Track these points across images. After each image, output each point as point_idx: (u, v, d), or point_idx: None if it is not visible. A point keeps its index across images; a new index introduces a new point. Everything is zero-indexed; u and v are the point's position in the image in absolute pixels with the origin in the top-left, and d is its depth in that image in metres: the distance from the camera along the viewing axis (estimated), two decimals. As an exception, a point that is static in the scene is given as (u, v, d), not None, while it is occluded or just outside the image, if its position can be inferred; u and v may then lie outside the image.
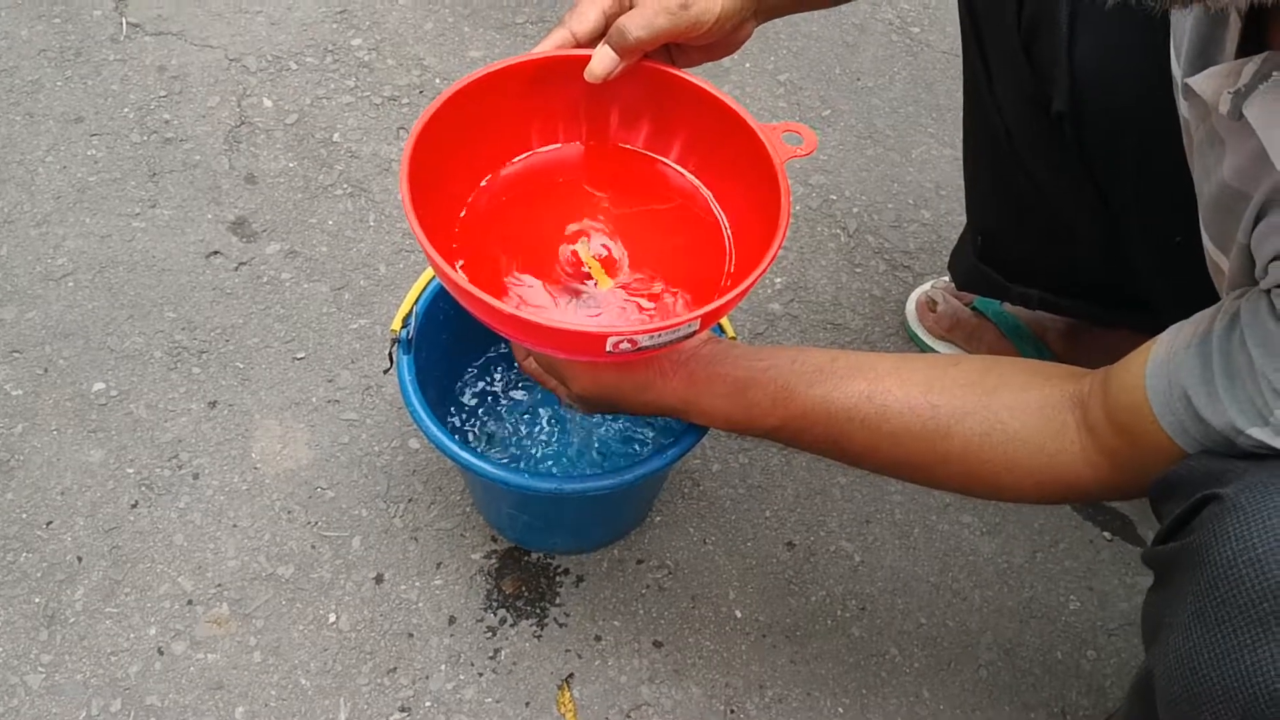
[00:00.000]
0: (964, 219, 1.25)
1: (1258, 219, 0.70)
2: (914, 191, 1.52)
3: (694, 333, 0.84)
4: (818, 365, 0.89)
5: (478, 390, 1.21)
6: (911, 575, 1.21)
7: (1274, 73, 0.65)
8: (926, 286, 1.39)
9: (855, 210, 1.50)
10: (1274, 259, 0.67)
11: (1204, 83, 0.71)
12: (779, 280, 1.43)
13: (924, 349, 1.37)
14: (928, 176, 1.54)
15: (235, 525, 1.19)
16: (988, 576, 1.21)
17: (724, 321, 1.09)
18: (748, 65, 1.63)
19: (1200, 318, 0.74)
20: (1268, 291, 0.67)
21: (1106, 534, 1.24)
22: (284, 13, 1.61)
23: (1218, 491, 0.65)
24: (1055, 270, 1.17)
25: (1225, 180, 0.74)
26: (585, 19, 0.90)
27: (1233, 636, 0.61)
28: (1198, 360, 0.71)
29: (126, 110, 1.49)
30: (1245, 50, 0.71)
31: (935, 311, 1.36)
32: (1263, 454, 0.67)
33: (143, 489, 1.21)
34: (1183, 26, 0.79)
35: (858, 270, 1.45)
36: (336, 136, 1.50)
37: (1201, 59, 0.75)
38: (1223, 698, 0.62)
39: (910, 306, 1.39)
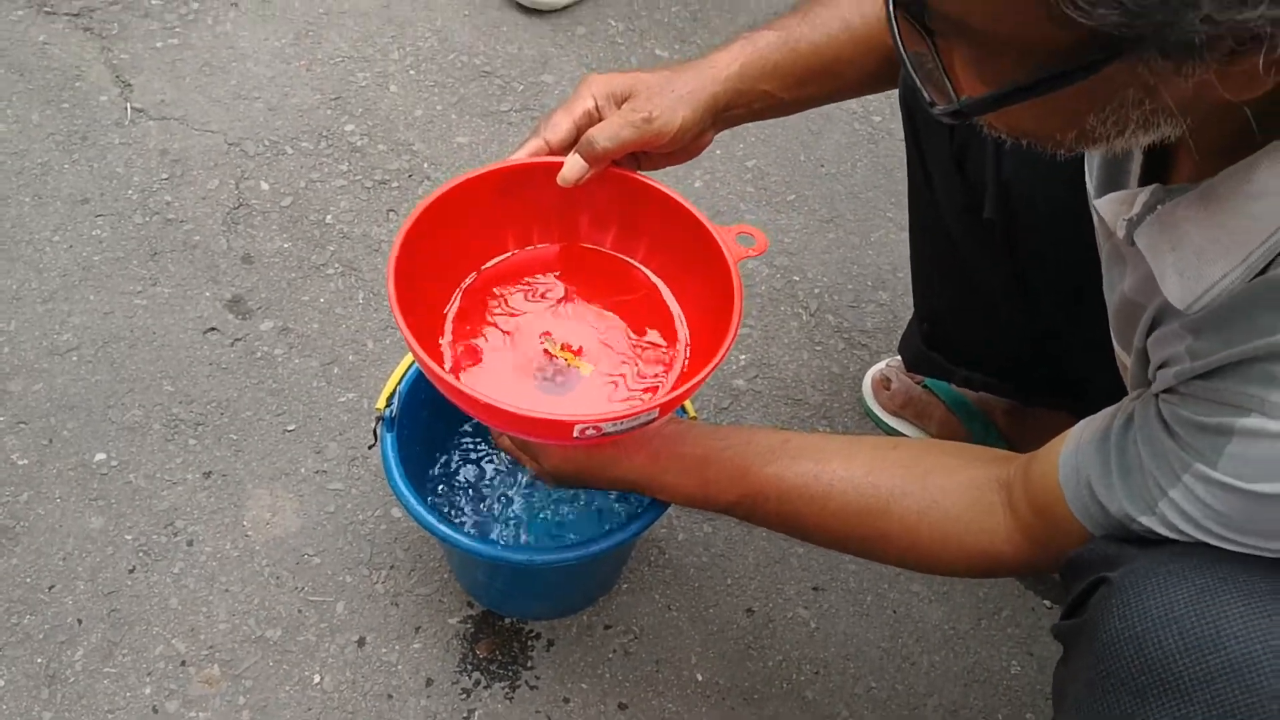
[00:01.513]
0: (918, 301, 1.35)
1: (1151, 328, 0.79)
2: (872, 273, 1.62)
3: (654, 420, 0.92)
4: (771, 445, 0.98)
5: (457, 460, 1.29)
6: (864, 640, 1.28)
7: (1159, 205, 0.74)
8: (882, 365, 1.48)
9: (817, 290, 1.59)
10: (1162, 366, 0.76)
11: (1105, 207, 0.80)
12: (744, 357, 1.51)
13: (879, 425, 1.46)
14: (886, 259, 1.63)
15: (227, 590, 1.26)
16: (935, 642, 1.29)
17: (687, 404, 1.18)
18: (718, 152, 1.72)
19: (1105, 414, 0.82)
20: (1157, 395, 0.76)
21: (1047, 602, 1.32)
22: (281, 99, 1.71)
23: (1107, 575, 0.74)
24: (996, 357, 1.26)
25: (1126, 293, 0.83)
26: (558, 129, 0.99)
27: (1117, 706, 0.70)
28: (1099, 454, 0.79)
29: (130, 192, 1.58)
30: (1145, 178, 0.80)
31: (889, 389, 1.45)
32: (1153, 539, 0.75)
33: (140, 555, 1.28)
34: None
35: (818, 348, 1.54)
36: (329, 218, 1.59)
37: (1109, 182, 0.84)
38: (1110, 761, 0.70)
39: (866, 384, 1.48)
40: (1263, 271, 0.67)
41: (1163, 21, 0.51)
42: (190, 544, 1.29)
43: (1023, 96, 0.60)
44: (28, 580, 1.25)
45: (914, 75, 0.64)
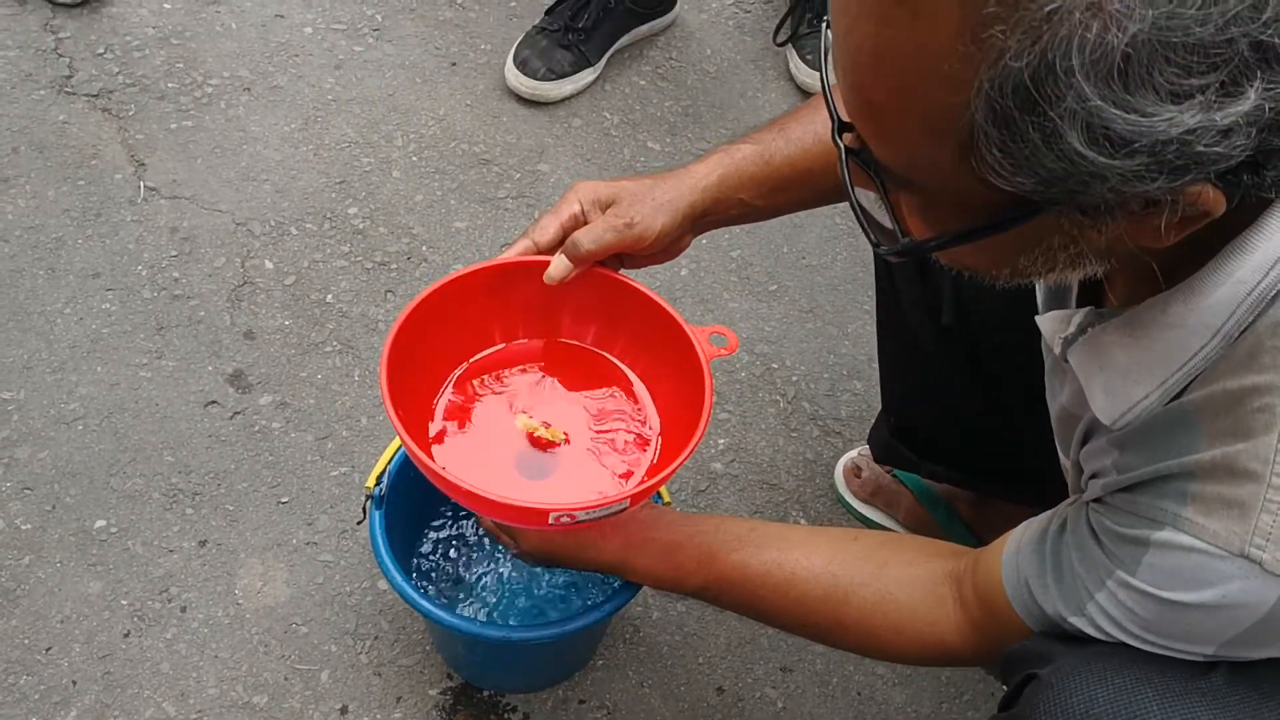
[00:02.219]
0: (890, 393, 1.41)
1: (1084, 440, 0.85)
2: (848, 364, 1.68)
3: (625, 509, 0.98)
4: (738, 534, 1.03)
5: (442, 536, 1.35)
6: (828, 721, 1.33)
7: (1090, 327, 0.80)
8: (854, 453, 1.55)
9: (794, 379, 1.66)
10: (1092, 477, 0.82)
11: (1045, 324, 0.87)
12: (722, 441, 1.58)
13: (851, 511, 1.52)
14: (861, 350, 1.70)
15: (217, 656, 1.31)
16: (897, 724, 1.34)
17: (661, 488, 1.24)
18: (704, 242, 1.80)
19: (1044, 518, 0.88)
20: (1087, 504, 0.82)
21: (1006, 687, 1.37)
22: (288, 182, 1.79)
23: (1037, 672, 0.80)
24: (959, 452, 1.33)
25: (1064, 404, 0.89)
26: (545, 231, 1.07)
27: (1042, 794, 0.75)
28: (1036, 556, 0.85)
29: (140, 268, 1.65)
30: (1083, 299, 0.87)
31: (860, 477, 1.51)
32: (1083, 638, 0.81)
33: (135, 620, 1.33)
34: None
35: (793, 434, 1.60)
36: (330, 297, 1.66)
37: (1053, 299, 0.91)
38: None
39: (838, 472, 1.54)
40: (1179, 395, 0.73)
41: (1074, 189, 0.58)
42: (184, 610, 1.34)
43: (959, 241, 0.66)
44: (25, 641, 1.30)
45: (861, 219, 0.71)
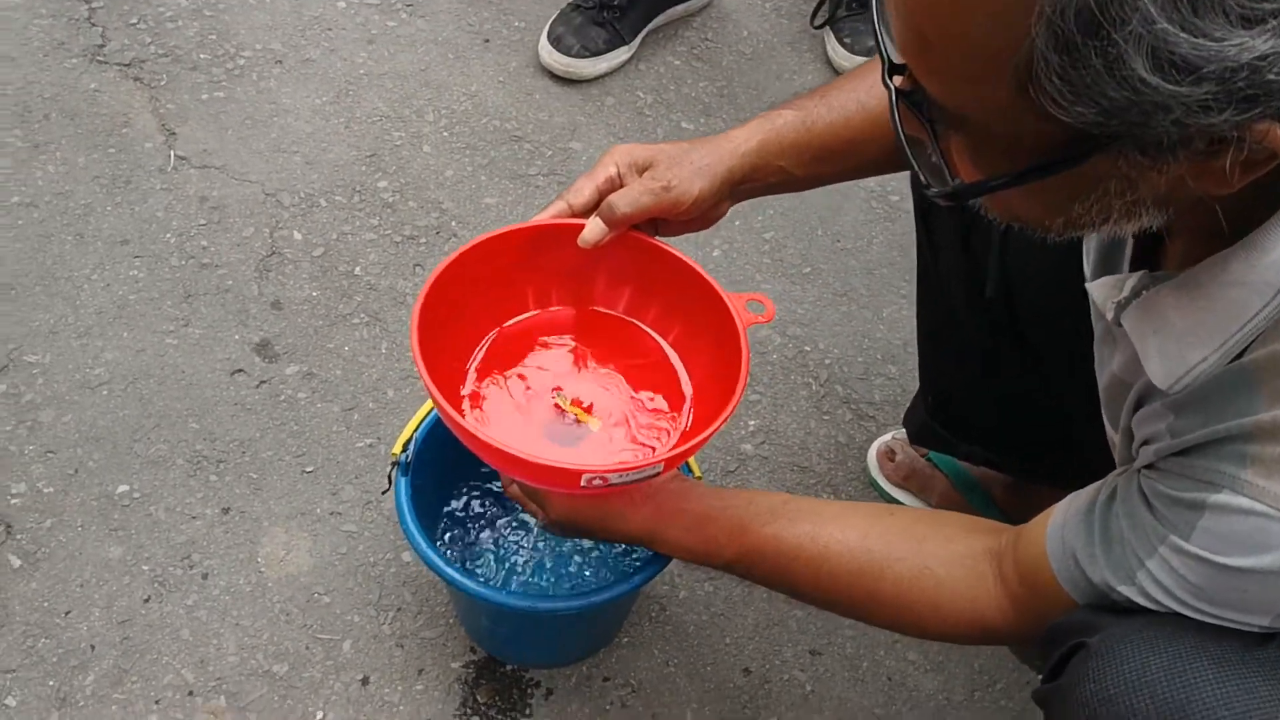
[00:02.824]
0: (925, 376, 1.38)
1: (1136, 407, 0.82)
2: (882, 347, 1.65)
3: (659, 474, 0.96)
4: (771, 506, 1.01)
5: (467, 509, 1.32)
6: (858, 706, 1.30)
7: (1145, 290, 0.78)
8: (888, 437, 1.52)
9: (827, 362, 1.63)
10: (1144, 443, 0.79)
11: (1097, 290, 0.84)
12: (752, 422, 1.55)
13: (883, 495, 1.49)
14: (896, 334, 1.67)
15: (237, 624, 1.30)
16: (928, 711, 1.30)
17: (691, 462, 1.21)
18: (737, 223, 1.78)
19: (1091, 489, 0.85)
20: (1139, 470, 0.79)
21: (1040, 676, 1.33)
22: (319, 154, 1.77)
23: (1085, 640, 0.77)
24: (997, 432, 1.30)
25: (1115, 372, 0.86)
26: (581, 193, 1.05)
27: (1091, 765, 0.72)
28: (1084, 526, 0.82)
29: (168, 236, 1.64)
30: (1137, 263, 0.84)
31: (894, 461, 1.48)
32: (1132, 609, 0.78)
33: (156, 585, 1.32)
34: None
35: (826, 417, 1.57)
36: (358, 270, 1.64)
37: (1104, 265, 0.88)
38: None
39: (871, 455, 1.51)
40: (1239, 356, 0.71)
41: (1136, 122, 0.56)
42: (205, 577, 1.33)
43: (1012, 184, 0.64)
44: (45, 605, 1.29)
45: (913, 159, 0.69)
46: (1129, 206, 0.65)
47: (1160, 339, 0.75)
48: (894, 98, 0.68)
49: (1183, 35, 0.51)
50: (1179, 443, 0.73)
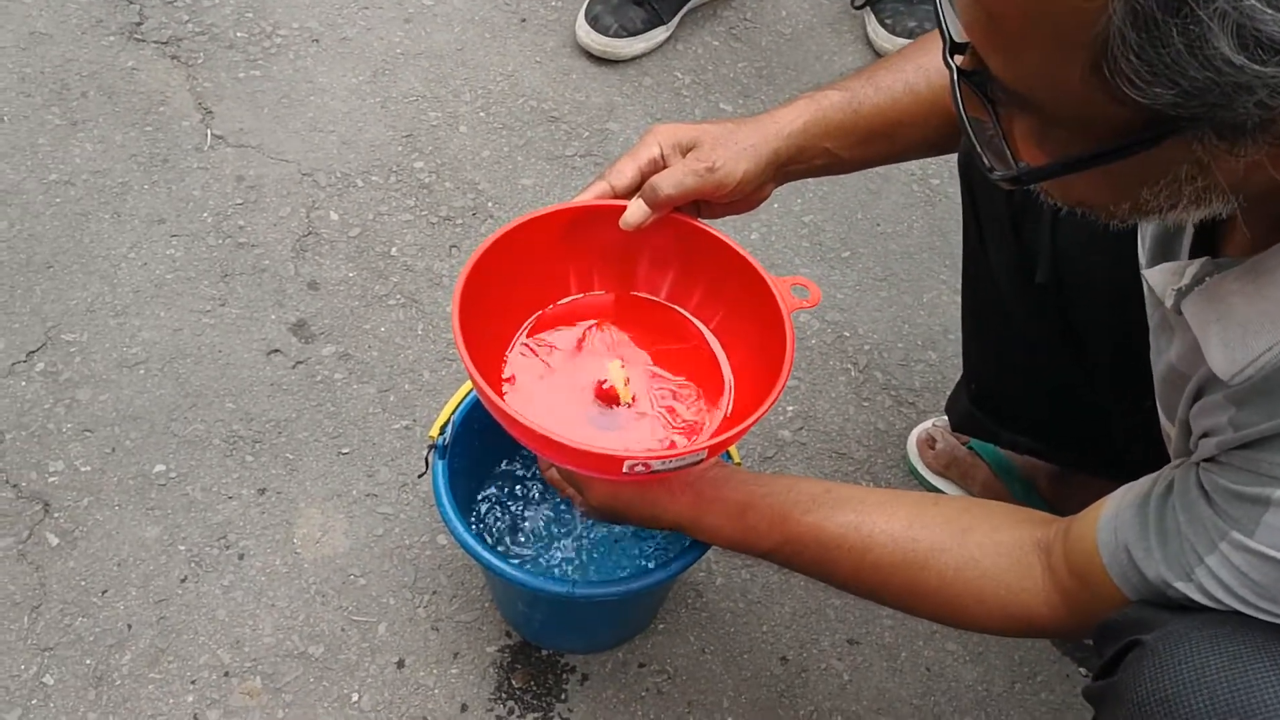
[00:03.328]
0: (967, 363, 1.36)
1: (1195, 398, 0.80)
2: (923, 333, 1.63)
3: (701, 461, 0.95)
4: (812, 494, 0.99)
5: (503, 493, 1.32)
6: (896, 697, 1.29)
7: (1207, 277, 0.75)
8: (928, 424, 1.49)
9: (866, 347, 1.61)
10: (1204, 435, 0.77)
11: (1155, 277, 0.82)
12: (790, 409, 1.53)
13: (923, 483, 1.47)
14: (937, 320, 1.65)
15: (273, 605, 1.29)
16: (967, 703, 1.29)
17: (732, 450, 1.20)
18: (775, 206, 1.75)
19: (1145, 481, 0.83)
20: (1197, 464, 0.77)
21: (1083, 670, 1.32)
22: (355, 134, 1.76)
23: (1141, 638, 0.75)
24: (1042, 421, 1.27)
25: (1172, 362, 0.84)
26: (623, 174, 1.03)
27: (1145, 767, 0.70)
28: (1138, 520, 0.80)
29: (205, 215, 1.64)
30: (1197, 250, 0.82)
31: (934, 449, 1.46)
32: (1188, 606, 0.76)
33: (192, 565, 1.32)
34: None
35: (865, 404, 1.55)
36: (394, 250, 1.63)
37: (1161, 252, 0.86)
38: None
39: (911, 442, 1.49)
40: (1307, 347, 0.68)
41: (1215, 103, 0.53)
42: (241, 558, 1.33)
43: (1079, 167, 0.62)
44: (83, 584, 1.29)
45: (975, 141, 0.67)
46: (1199, 193, 0.62)
47: (1223, 327, 0.73)
48: (955, 77, 0.66)
49: (1270, 13, 0.49)
50: (1242, 435, 0.71)
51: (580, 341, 1.08)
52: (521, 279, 1.05)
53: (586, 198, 1.03)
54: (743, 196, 1.04)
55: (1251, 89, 0.52)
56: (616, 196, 1.02)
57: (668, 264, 1.08)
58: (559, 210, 1.03)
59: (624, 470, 0.91)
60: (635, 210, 1.01)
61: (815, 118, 1.04)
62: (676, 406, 1.05)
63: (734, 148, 1.01)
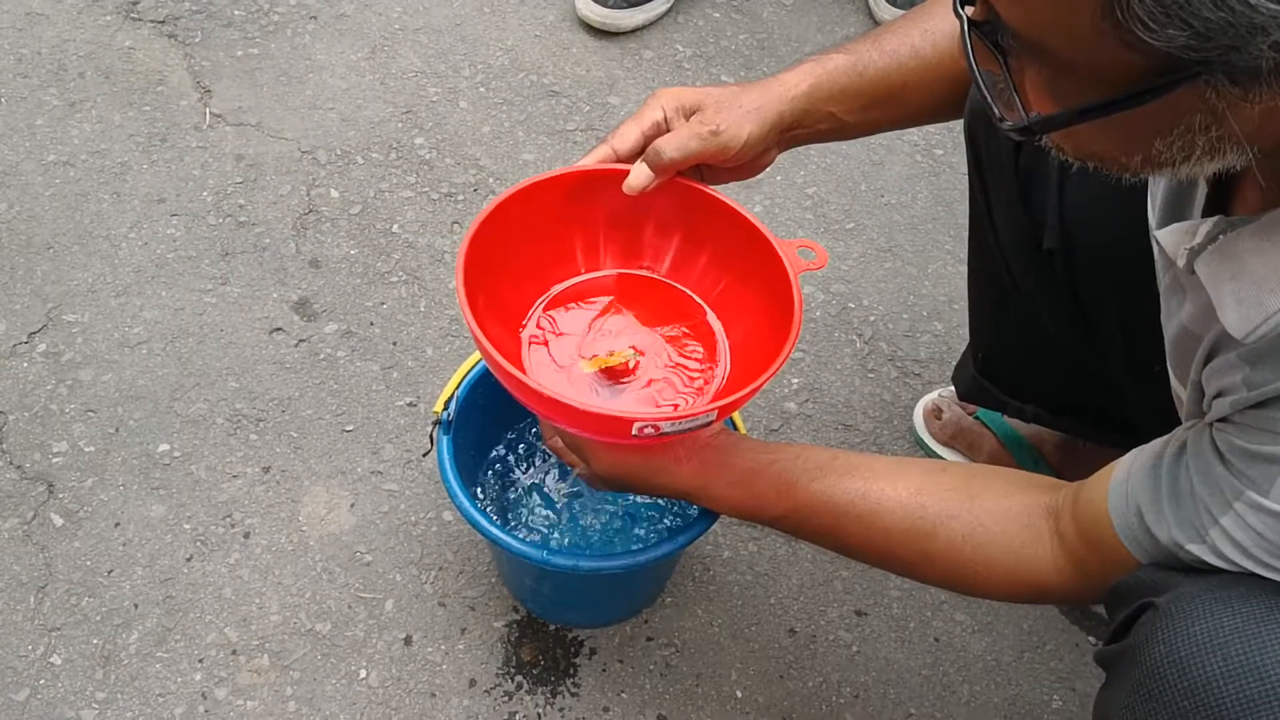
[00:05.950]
0: (972, 333, 1.35)
1: (1208, 359, 0.79)
2: (928, 304, 1.62)
3: (711, 422, 0.94)
4: (820, 462, 0.98)
5: (508, 465, 1.31)
6: (904, 667, 1.28)
7: (1220, 235, 0.74)
8: (934, 395, 1.49)
9: (871, 319, 1.60)
10: (1217, 395, 0.76)
11: (1167, 237, 0.81)
12: (795, 380, 1.52)
13: (929, 454, 1.46)
14: (942, 290, 1.64)
15: (280, 583, 1.29)
16: (976, 672, 1.28)
17: (738, 419, 1.19)
18: (778, 178, 1.74)
19: (1157, 443, 0.82)
20: (1211, 424, 0.76)
21: (1091, 638, 1.31)
22: (355, 111, 1.75)
23: (1154, 600, 0.74)
24: (1049, 389, 1.26)
25: (1184, 323, 0.83)
26: (626, 138, 1.02)
27: (1157, 729, 0.70)
28: (1150, 482, 0.79)
29: (205, 194, 1.63)
30: (1209, 209, 0.81)
31: (940, 419, 1.45)
32: (1200, 568, 0.75)
33: (198, 544, 1.31)
34: (1159, 180, 0.88)
35: (870, 375, 1.54)
36: (395, 227, 1.62)
37: (1172, 213, 0.85)
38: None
39: (918, 413, 1.48)
40: (1323, 303, 0.67)
41: (1230, 45, 0.52)
42: (247, 536, 1.32)
43: (1091, 116, 0.61)
44: (88, 564, 1.29)
45: (985, 92, 0.65)
46: (1213, 143, 0.61)
47: (1237, 285, 0.72)
48: (965, 28, 0.65)
49: None
50: (1256, 394, 0.70)
51: (585, 318, 1.07)
52: (526, 243, 1.03)
53: (589, 161, 1.02)
54: (747, 161, 1.03)
55: (1266, 30, 0.51)
56: (620, 160, 1.01)
57: (673, 229, 1.07)
58: (562, 174, 1.02)
59: (633, 432, 0.90)
60: (639, 174, 0.99)
61: (820, 81, 1.03)
62: (681, 376, 1.04)
63: (738, 111, 1.00)
